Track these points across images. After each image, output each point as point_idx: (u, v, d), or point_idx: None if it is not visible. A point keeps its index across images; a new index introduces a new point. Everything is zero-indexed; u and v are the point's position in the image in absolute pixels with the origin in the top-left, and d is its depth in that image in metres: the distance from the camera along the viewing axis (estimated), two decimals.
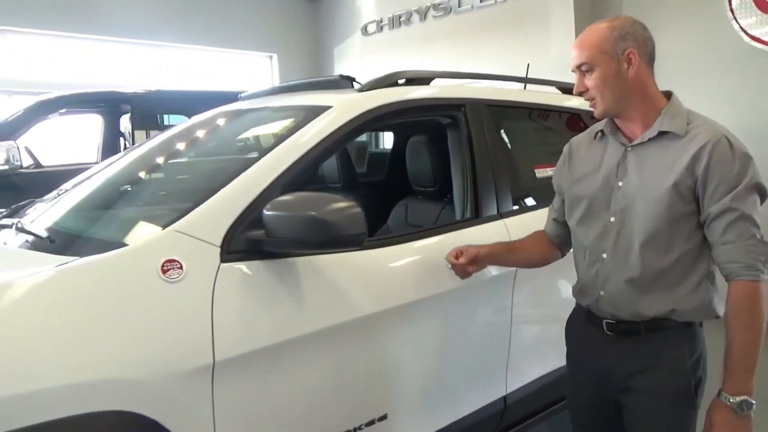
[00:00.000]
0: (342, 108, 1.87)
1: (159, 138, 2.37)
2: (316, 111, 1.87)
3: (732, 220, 1.37)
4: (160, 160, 2.22)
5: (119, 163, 2.23)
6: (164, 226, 1.47)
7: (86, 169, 2.44)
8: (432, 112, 2.25)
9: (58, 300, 1.27)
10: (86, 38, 6.81)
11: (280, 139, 1.76)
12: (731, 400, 1.36)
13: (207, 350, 1.36)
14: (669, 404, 1.48)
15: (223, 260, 1.44)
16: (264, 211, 1.46)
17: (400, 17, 7.28)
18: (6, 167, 3.92)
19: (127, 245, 1.45)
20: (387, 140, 4.92)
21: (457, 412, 2.01)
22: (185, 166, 2.18)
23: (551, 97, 2.76)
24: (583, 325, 1.64)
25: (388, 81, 2.13)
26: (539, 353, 2.29)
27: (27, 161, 4.37)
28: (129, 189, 2.06)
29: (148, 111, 4.83)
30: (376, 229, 2.59)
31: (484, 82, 2.62)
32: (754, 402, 1.36)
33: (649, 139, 1.47)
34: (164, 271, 1.35)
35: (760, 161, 1.44)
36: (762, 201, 1.42)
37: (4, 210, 2.19)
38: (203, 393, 1.37)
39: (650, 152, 1.47)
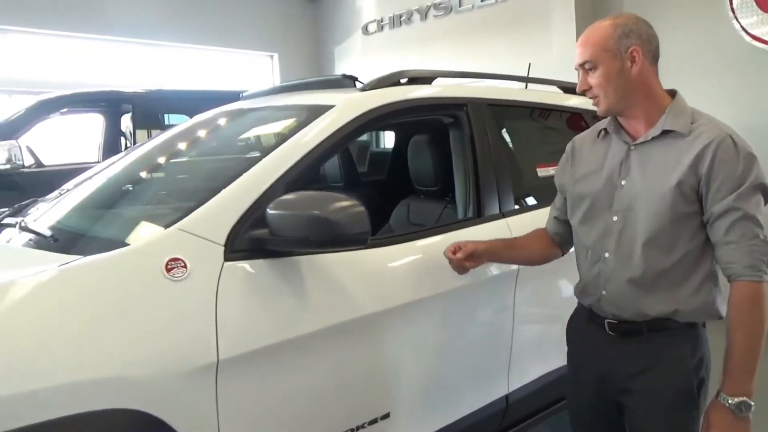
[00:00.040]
0: (345, 107, 1.88)
1: (162, 137, 2.37)
2: (318, 110, 1.87)
3: (735, 220, 1.35)
4: (163, 159, 2.23)
5: (123, 162, 2.24)
6: (168, 225, 1.47)
7: (88, 168, 2.45)
8: (434, 112, 2.26)
9: (63, 298, 1.28)
10: (87, 38, 6.81)
11: (282, 138, 1.76)
12: (730, 401, 1.35)
13: (211, 348, 1.36)
14: (671, 405, 1.47)
15: (226, 259, 1.45)
16: (267, 210, 1.47)
17: (400, 17, 7.28)
18: (8, 166, 3.92)
19: (131, 244, 1.45)
20: (388, 140, 4.93)
21: (459, 411, 2.02)
22: (189, 165, 2.18)
23: (553, 96, 2.77)
24: (584, 325, 1.63)
25: (391, 80, 2.13)
26: (541, 352, 2.29)
27: (28, 160, 4.37)
28: (133, 188, 2.07)
29: (149, 110, 4.83)
30: (378, 228, 2.59)
31: (485, 82, 2.62)
32: (753, 404, 1.35)
33: (653, 138, 1.46)
34: (168, 270, 1.36)
35: (760, 161, 1.42)
36: (766, 201, 1.41)
37: (6, 209, 2.19)
38: (207, 391, 1.37)
39: (654, 151, 1.46)
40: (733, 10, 4.59)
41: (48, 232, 1.66)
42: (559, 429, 2.60)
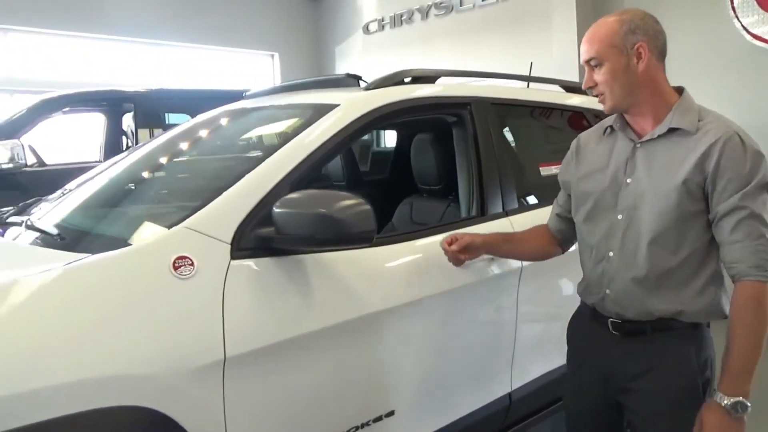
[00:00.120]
0: (349, 106, 1.88)
1: (168, 135, 2.38)
2: (323, 109, 1.88)
3: (741, 219, 1.33)
4: (170, 157, 2.23)
5: (129, 160, 2.24)
6: (175, 224, 1.48)
7: (90, 167, 2.45)
8: (438, 111, 2.26)
9: (72, 296, 1.29)
10: (88, 37, 6.83)
11: (288, 137, 1.77)
12: (726, 400, 1.32)
13: (218, 346, 1.37)
14: (675, 406, 1.44)
15: (233, 257, 1.45)
16: (274, 208, 1.47)
17: (401, 16, 7.29)
18: (11, 165, 3.93)
19: (138, 242, 1.46)
20: (389, 139, 4.93)
21: (463, 409, 2.02)
22: (195, 164, 2.19)
23: (555, 95, 2.78)
24: (587, 324, 1.61)
25: (395, 79, 2.13)
26: (543, 351, 2.30)
27: (31, 160, 4.38)
28: (140, 187, 2.07)
29: (151, 110, 4.84)
30: (380, 227, 2.60)
31: (488, 81, 2.63)
32: (749, 404, 1.32)
33: (659, 136, 1.43)
34: (176, 268, 1.37)
35: None
36: None
37: (11, 208, 2.20)
38: (214, 388, 1.38)
39: (660, 149, 1.43)
40: (733, 9, 4.60)
41: (54, 231, 1.67)
42: (561, 427, 2.59)
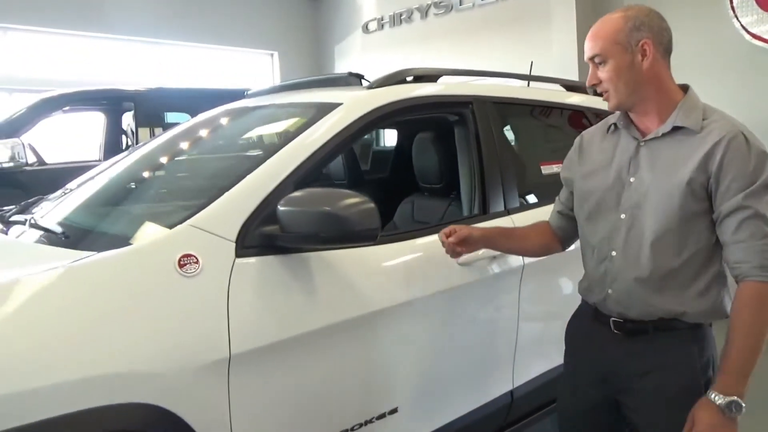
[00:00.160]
0: (352, 105, 1.89)
1: (171, 134, 2.38)
2: (326, 108, 1.88)
3: (744, 219, 1.31)
4: (174, 156, 2.23)
5: (132, 159, 2.25)
6: (180, 222, 1.48)
7: (90, 167, 2.45)
8: (440, 109, 2.27)
9: (77, 293, 1.29)
10: (88, 36, 6.83)
11: (291, 136, 1.77)
12: (720, 399, 1.30)
13: (223, 344, 1.37)
14: (676, 405, 1.41)
15: (238, 255, 1.46)
16: (278, 206, 1.48)
17: (401, 15, 7.30)
18: (11, 164, 3.94)
19: (143, 240, 1.46)
20: (389, 138, 4.94)
21: (465, 406, 2.03)
22: (199, 162, 2.19)
23: (556, 94, 2.78)
24: (589, 323, 1.59)
25: (397, 78, 2.14)
26: (545, 349, 2.31)
27: (31, 158, 4.38)
28: (144, 185, 2.07)
29: (151, 109, 4.84)
30: (382, 226, 2.60)
31: (490, 79, 2.64)
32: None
33: (663, 134, 1.41)
34: (181, 266, 1.37)
35: None
36: None
37: (13, 206, 2.20)
38: (219, 385, 1.38)
39: (664, 147, 1.41)
40: (733, 8, 4.61)
41: (59, 229, 1.67)
42: None
